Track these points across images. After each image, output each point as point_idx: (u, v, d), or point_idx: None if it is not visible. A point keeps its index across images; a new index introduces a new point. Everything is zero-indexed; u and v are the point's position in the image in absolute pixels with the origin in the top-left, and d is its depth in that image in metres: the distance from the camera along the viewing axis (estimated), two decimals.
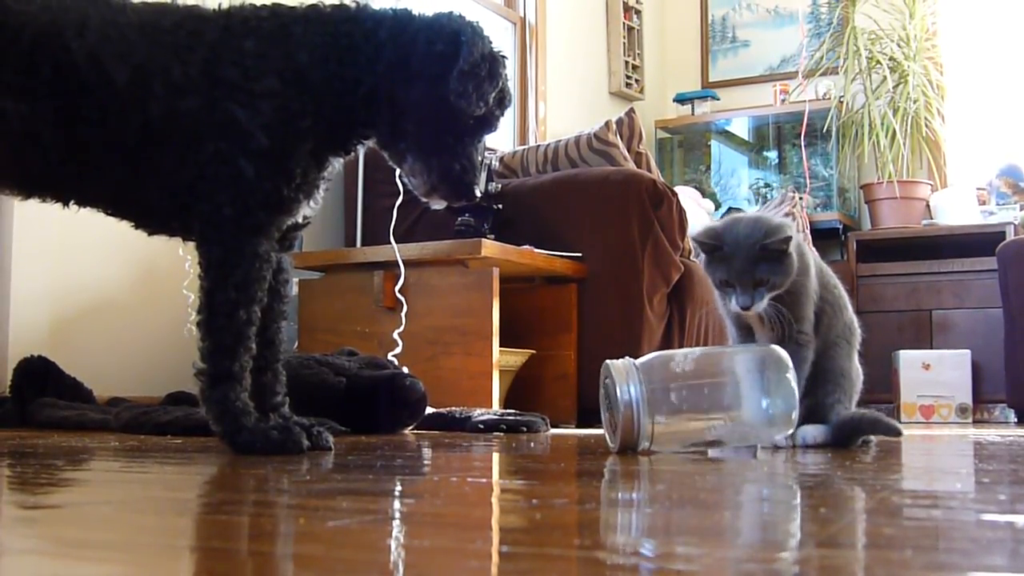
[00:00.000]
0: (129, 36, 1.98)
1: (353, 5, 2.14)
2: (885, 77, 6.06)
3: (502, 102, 2.11)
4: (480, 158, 2.14)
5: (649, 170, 4.92)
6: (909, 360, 5.44)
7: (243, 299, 1.98)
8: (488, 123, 2.10)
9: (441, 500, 1.30)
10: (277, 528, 1.03)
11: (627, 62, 6.49)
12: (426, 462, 1.99)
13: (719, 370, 2.03)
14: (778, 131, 6.65)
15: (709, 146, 6.79)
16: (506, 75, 2.11)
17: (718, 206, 6.40)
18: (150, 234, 2.18)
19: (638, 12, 6.62)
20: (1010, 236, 5.40)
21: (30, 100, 1.94)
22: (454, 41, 2.03)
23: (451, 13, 2.10)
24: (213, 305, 1.98)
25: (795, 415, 2.03)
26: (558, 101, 5.92)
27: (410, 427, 3.12)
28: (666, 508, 1.21)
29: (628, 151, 4.87)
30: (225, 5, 2.09)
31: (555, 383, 4.04)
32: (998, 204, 5.93)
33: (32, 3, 1.96)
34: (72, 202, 2.10)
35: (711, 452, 2.01)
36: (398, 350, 3.57)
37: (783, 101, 6.47)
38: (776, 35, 6.83)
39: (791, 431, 2.08)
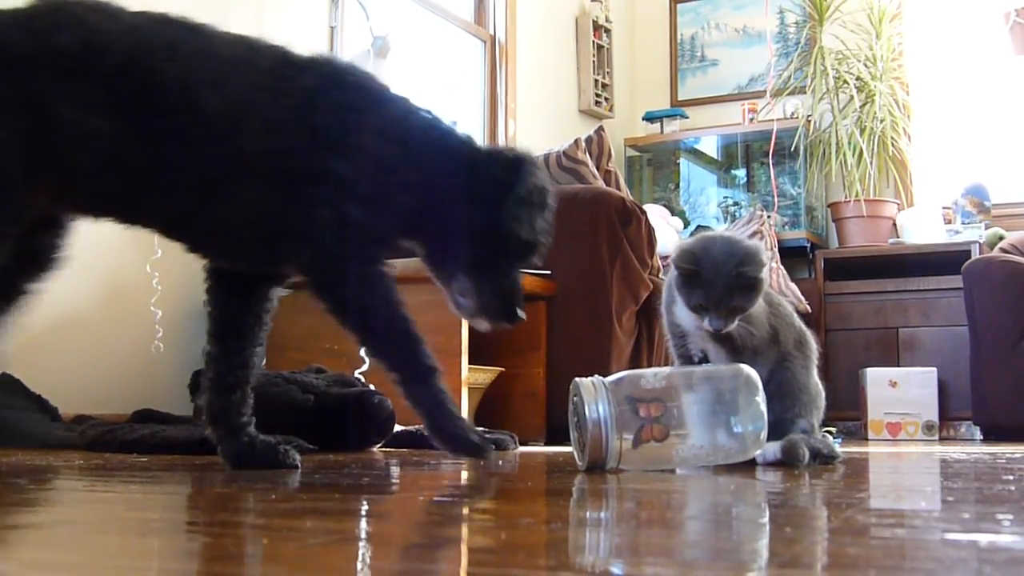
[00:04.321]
0: (221, 67, 1.98)
1: (449, 125, 2.18)
2: (852, 97, 6.10)
3: (547, 230, 2.16)
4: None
5: (618, 188, 4.94)
6: (876, 378, 5.46)
7: (392, 311, 2.04)
8: (534, 249, 2.15)
9: (407, 520, 1.30)
10: (241, 549, 1.02)
11: (596, 80, 6.51)
12: (393, 481, 1.99)
13: (689, 390, 2.03)
14: (746, 150, 6.69)
15: (678, 164, 6.82)
16: (551, 207, 2.18)
17: (687, 224, 6.43)
18: (204, 259, 2.19)
19: (607, 31, 6.65)
20: (975, 255, 5.44)
21: (115, 119, 1.92)
22: (514, 169, 2.09)
23: (509, 146, 2.19)
24: (376, 332, 2.06)
25: (763, 436, 2.04)
26: (527, 119, 5.94)
27: (378, 445, 3.11)
28: (632, 527, 1.21)
29: (597, 169, 4.89)
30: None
31: (524, 401, 4.03)
32: (963, 223, 5.98)
33: (118, 22, 1.95)
34: (139, 225, 2.09)
35: (678, 469, 2.02)
36: (366, 368, 3.56)
37: (751, 120, 6.51)
38: (744, 54, 6.87)
39: (759, 451, 2.08)
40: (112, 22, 1.95)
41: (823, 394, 2.42)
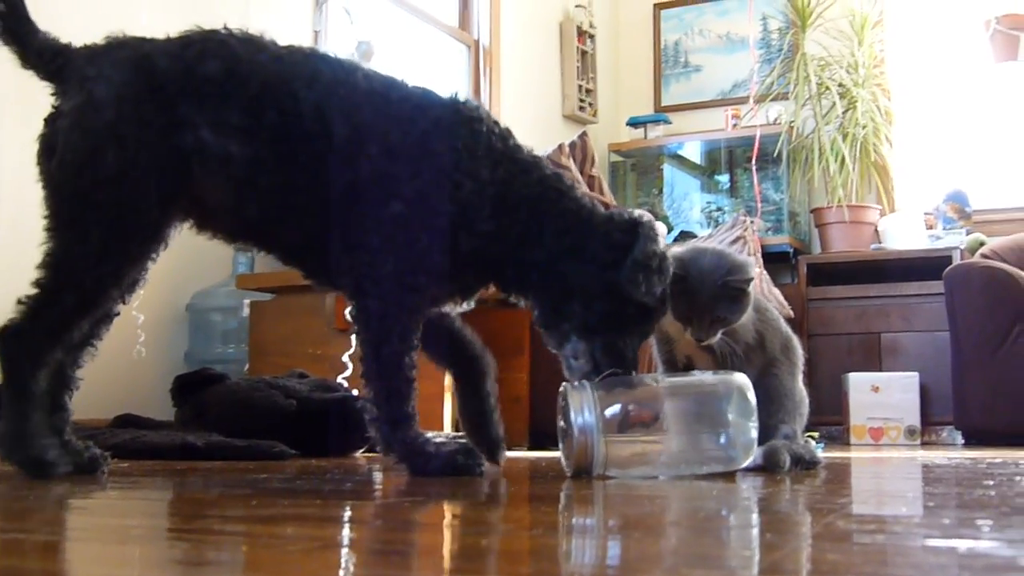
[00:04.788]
0: (356, 98, 2.05)
1: (572, 184, 2.20)
2: (834, 103, 6.12)
3: (665, 301, 2.15)
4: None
5: (602, 193, 4.95)
6: (858, 383, 5.48)
7: (406, 348, 2.05)
8: (651, 314, 2.14)
9: (389, 526, 1.30)
10: (219, 557, 1.01)
11: (580, 86, 6.52)
12: (376, 486, 1.99)
13: (680, 398, 2.03)
14: (730, 155, 6.70)
15: (662, 170, 6.83)
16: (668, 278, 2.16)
17: (670, 229, 6.44)
18: (319, 285, 2.25)
19: (592, 36, 6.65)
20: (956, 260, 5.46)
21: (254, 144, 2.00)
22: (632, 231, 2.09)
23: (627, 209, 2.19)
24: (381, 357, 2.04)
25: (753, 448, 2.05)
26: (512, 124, 5.86)
27: (361, 450, 3.10)
28: (614, 533, 1.21)
29: (581, 174, 4.90)
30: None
31: (508, 406, 4.00)
32: (945, 229, 6.00)
33: (263, 53, 2.05)
34: (267, 251, 2.18)
35: (662, 475, 2.02)
36: (349, 372, 3.56)
37: (735, 126, 6.52)
38: (728, 60, 6.89)
39: (750, 460, 2.08)
40: (258, 52, 2.05)
41: (807, 400, 2.42)
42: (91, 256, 1.95)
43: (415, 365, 2.07)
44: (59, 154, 1.98)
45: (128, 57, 2.00)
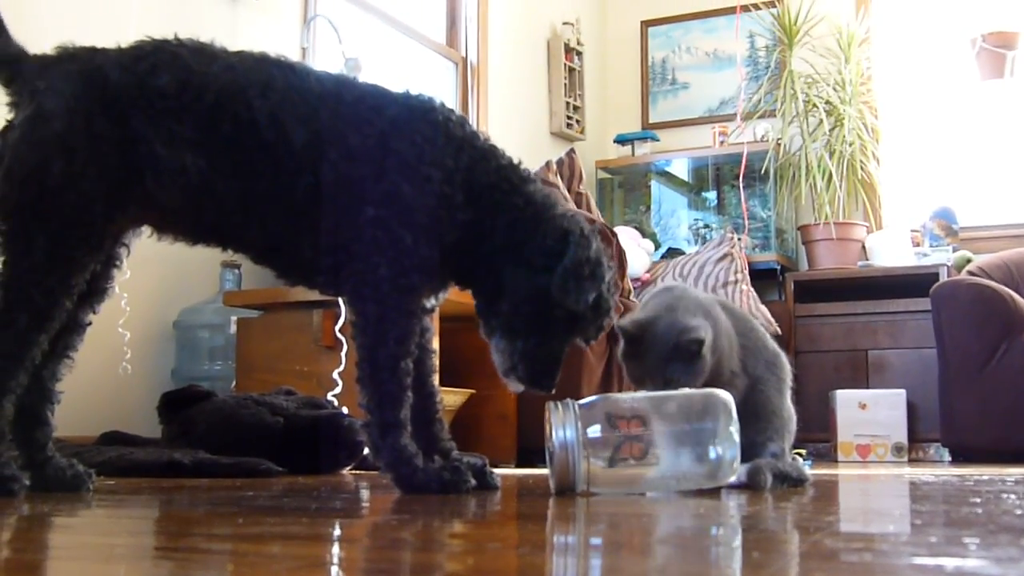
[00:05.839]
0: (311, 102, 2.06)
1: (530, 182, 2.20)
2: (821, 120, 6.15)
3: (598, 308, 2.13)
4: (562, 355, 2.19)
5: (590, 210, 4.95)
6: (845, 400, 5.49)
7: (402, 353, 2.05)
8: (580, 324, 2.13)
9: (377, 544, 1.29)
10: None
11: (568, 103, 6.53)
12: (363, 504, 1.98)
13: (663, 414, 2.03)
14: (717, 172, 6.72)
15: (649, 187, 6.84)
16: (609, 282, 2.13)
17: (658, 246, 6.45)
18: (292, 285, 2.29)
19: (579, 53, 6.67)
20: (943, 277, 5.48)
21: (209, 155, 2.00)
22: (564, 239, 2.09)
23: (569, 214, 2.17)
24: (376, 360, 2.04)
25: (737, 463, 2.05)
26: (499, 141, 5.86)
27: (349, 468, 3.09)
28: (600, 552, 1.20)
29: (568, 191, 4.91)
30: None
31: (495, 423, 4.02)
32: (932, 246, 6.02)
33: (214, 63, 2.04)
34: (235, 251, 2.19)
35: (649, 492, 2.02)
36: (338, 390, 3.55)
37: (722, 143, 6.53)
38: (715, 78, 6.91)
39: (733, 477, 2.08)
40: (210, 62, 2.04)
41: (795, 417, 2.42)
42: (38, 268, 1.93)
43: (410, 372, 2.07)
44: (5, 166, 1.96)
45: (79, 70, 1.99)
